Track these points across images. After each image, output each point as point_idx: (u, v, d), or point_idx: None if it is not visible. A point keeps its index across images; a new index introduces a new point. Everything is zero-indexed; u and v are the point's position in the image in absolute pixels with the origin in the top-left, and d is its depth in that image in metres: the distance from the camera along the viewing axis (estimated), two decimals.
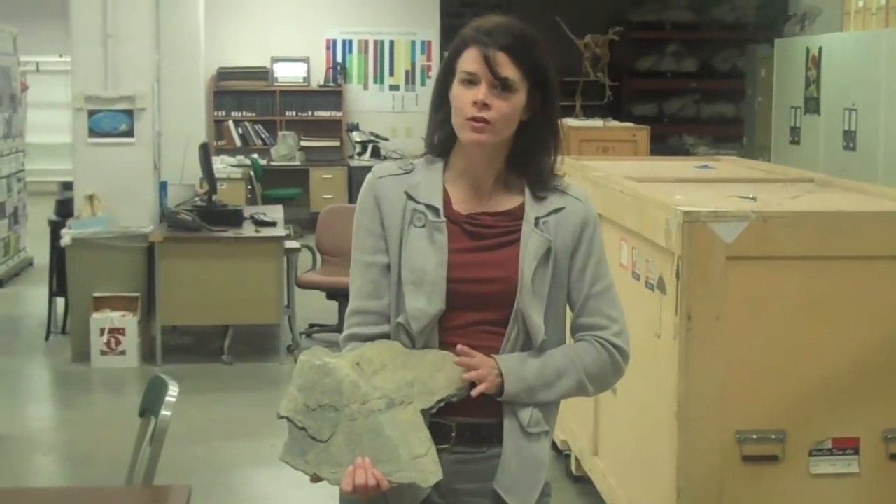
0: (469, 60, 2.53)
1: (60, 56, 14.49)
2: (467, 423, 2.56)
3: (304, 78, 14.31)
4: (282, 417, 2.50)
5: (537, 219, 2.57)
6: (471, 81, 2.52)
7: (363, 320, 2.60)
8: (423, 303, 2.52)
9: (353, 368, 2.50)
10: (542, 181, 2.60)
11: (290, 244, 8.21)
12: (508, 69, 2.51)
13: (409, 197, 2.58)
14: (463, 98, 2.52)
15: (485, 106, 2.50)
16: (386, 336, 2.57)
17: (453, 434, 2.56)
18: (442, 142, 2.63)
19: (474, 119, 2.51)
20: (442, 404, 2.49)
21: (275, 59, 14.23)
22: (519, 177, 2.61)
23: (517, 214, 2.59)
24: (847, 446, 3.83)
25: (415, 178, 2.61)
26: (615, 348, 2.61)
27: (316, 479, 2.48)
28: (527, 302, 2.53)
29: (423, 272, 2.52)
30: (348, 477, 2.42)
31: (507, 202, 2.61)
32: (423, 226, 2.55)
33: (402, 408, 2.47)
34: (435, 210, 2.56)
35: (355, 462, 2.42)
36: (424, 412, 2.48)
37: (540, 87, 2.56)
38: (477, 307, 2.55)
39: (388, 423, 2.45)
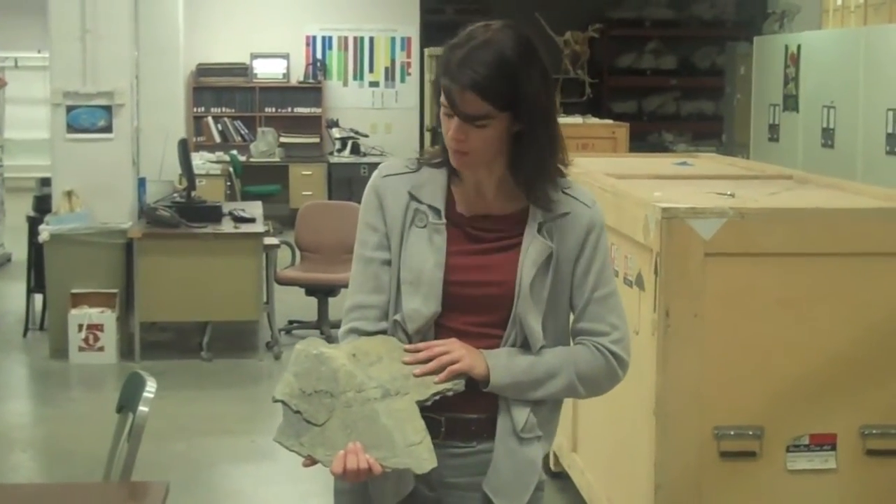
0: (442, 93, 2.48)
1: (39, 52, 14.42)
2: (457, 419, 2.56)
3: (284, 74, 14.28)
4: (277, 401, 2.48)
5: (540, 224, 2.54)
6: (448, 113, 2.48)
7: (363, 315, 2.59)
8: (419, 303, 2.52)
9: (349, 359, 2.50)
10: (543, 186, 2.54)
11: (269, 240, 8.19)
12: (475, 106, 2.42)
13: (413, 197, 2.56)
14: (444, 127, 2.50)
15: (460, 140, 2.47)
16: (385, 333, 2.57)
17: (443, 429, 2.55)
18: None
19: (455, 149, 2.49)
20: (437, 398, 2.49)
21: (254, 56, 14.19)
22: (520, 181, 2.55)
23: (520, 218, 2.56)
24: (824, 442, 3.84)
25: (420, 177, 2.59)
26: (612, 355, 2.60)
27: (310, 461, 2.46)
28: (525, 307, 2.52)
29: (421, 272, 2.52)
30: (339, 460, 2.40)
31: (511, 205, 2.58)
32: (424, 226, 2.54)
33: (397, 398, 2.47)
34: (437, 211, 2.55)
35: (347, 447, 2.41)
36: (419, 404, 2.48)
37: (524, 107, 2.46)
38: (474, 310, 2.55)
39: (384, 412, 2.45)
